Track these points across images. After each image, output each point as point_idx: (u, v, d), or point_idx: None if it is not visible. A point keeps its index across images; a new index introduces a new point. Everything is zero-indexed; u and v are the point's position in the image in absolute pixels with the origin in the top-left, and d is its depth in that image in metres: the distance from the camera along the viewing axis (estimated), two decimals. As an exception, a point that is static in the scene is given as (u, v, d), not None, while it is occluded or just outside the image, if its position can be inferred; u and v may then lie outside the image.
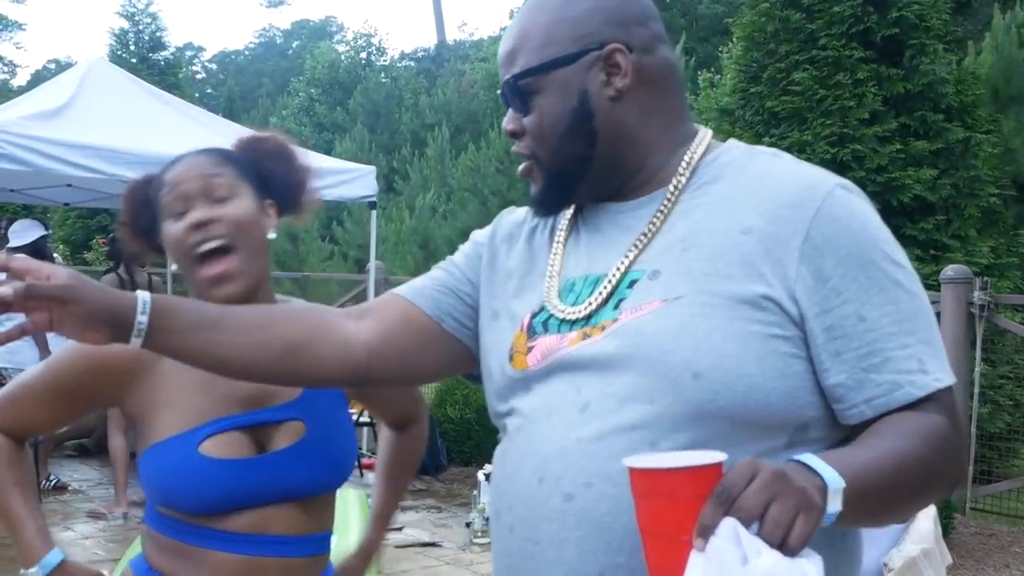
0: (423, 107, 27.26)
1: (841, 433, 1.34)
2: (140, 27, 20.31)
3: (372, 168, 8.96)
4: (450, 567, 5.87)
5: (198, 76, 47.80)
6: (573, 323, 1.41)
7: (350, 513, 3.01)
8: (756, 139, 8.72)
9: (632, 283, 1.38)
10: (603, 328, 1.37)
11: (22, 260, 1.35)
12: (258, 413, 1.76)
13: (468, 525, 6.49)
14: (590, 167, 1.45)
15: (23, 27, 75.92)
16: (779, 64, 8.29)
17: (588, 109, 1.42)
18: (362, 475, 7.82)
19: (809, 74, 8.02)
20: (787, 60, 8.25)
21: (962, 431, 1.33)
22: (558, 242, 1.52)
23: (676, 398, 1.28)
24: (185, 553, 1.73)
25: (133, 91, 8.96)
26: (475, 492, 6.56)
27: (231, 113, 23.26)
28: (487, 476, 6.51)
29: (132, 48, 20.04)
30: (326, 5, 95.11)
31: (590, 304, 1.40)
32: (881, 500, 1.23)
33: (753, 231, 1.32)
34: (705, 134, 1.48)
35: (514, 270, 1.56)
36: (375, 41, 34.42)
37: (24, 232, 7.74)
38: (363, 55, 33.18)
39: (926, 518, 3.53)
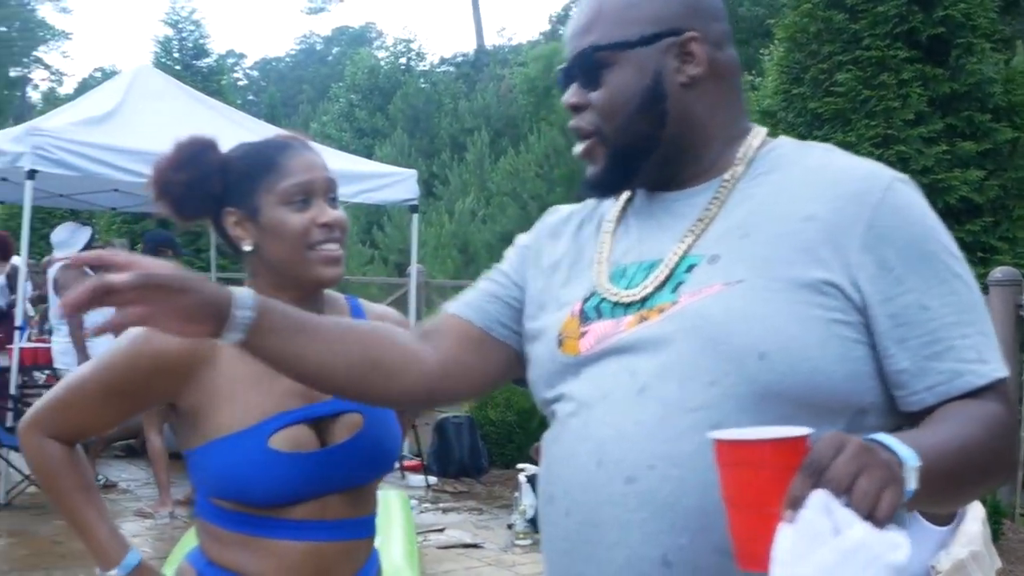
0: (462, 112, 27.32)
1: (896, 420, 1.36)
2: (184, 34, 20.54)
3: (413, 172, 8.99)
4: (492, 568, 5.87)
5: (239, 83, 48.25)
6: (628, 306, 1.42)
7: (392, 513, 3.04)
8: (800, 140, 8.64)
9: (690, 268, 1.39)
10: (661, 311, 1.37)
11: (125, 255, 1.33)
12: (319, 406, 1.79)
13: (510, 527, 6.50)
14: (655, 149, 1.46)
15: (69, 36, 77.02)
16: (822, 65, 8.22)
17: (661, 91, 1.44)
18: (403, 476, 7.85)
19: (852, 75, 7.96)
20: (830, 61, 8.19)
21: (1017, 419, 1.35)
22: (605, 232, 1.54)
23: (740, 379, 1.29)
24: (245, 544, 1.76)
25: (179, 96, 9.05)
26: (516, 494, 6.55)
27: (272, 119, 23.42)
28: (528, 478, 6.50)
29: (176, 55, 20.27)
30: (366, 11, 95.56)
31: (646, 287, 1.41)
32: (948, 482, 1.24)
33: (815, 218, 1.35)
34: (760, 130, 1.51)
35: (560, 262, 1.57)
36: (414, 47, 34.63)
37: (71, 238, 7.78)
38: (403, 60, 33.34)
39: (975, 520, 3.48)
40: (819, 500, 1.06)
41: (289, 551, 1.75)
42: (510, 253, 1.67)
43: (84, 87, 51.10)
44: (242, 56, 53.85)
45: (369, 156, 16.70)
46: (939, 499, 1.33)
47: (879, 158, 7.45)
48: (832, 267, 1.32)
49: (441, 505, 7.42)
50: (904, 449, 1.15)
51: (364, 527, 1.86)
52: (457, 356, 1.57)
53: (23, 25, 49.99)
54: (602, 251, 1.51)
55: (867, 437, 1.16)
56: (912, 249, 1.33)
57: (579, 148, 1.51)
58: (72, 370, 7.12)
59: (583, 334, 1.44)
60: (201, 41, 20.62)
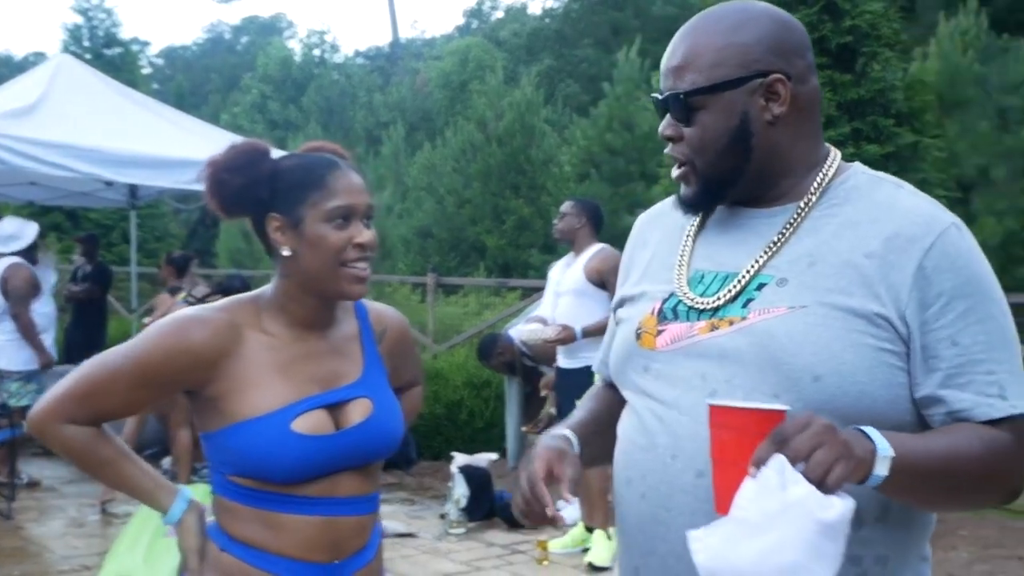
0: (377, 105, 27.27)
1: None
2: (94, 23, 20.14)
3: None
4: (428, 556, 6.02)
5: (144, 71, 47.32)
6: (701, 312, 1.59)
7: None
8: (714, 142, 8.97)
9: (760, 286, 1.56)
10: (731, 323, 1.55)
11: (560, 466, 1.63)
12: (335, 392, 1.95)
13: (442, 517, 6.65)
14: (741, 178, 1.61)
15: (-38, 20, 74.17)
16: (737, 69, 8.51)
17: (747, 130, 1.59)
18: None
19: (767, 79, 8.28)
20: (744, 65, 8.49)
21: None
22: (688, 235, 1.70)
23: (797, 396, 1.46)
24: (263, 519, 1.90)
25: (101, 88, 8.98)
26: (449, 484, 6.70)
27: (180, 109, 23.18)
28: (460, 469, 6.67)
29: (86, 44, 19.88)
30: (276, 1, 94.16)
31: (719, 298, 1.58)
32: (928, 480, 1.43)
33: (874, 256, 1.51)
34: (836, 156, 1.65)
35: (649, 259, 1.76)
36: (328, 38, 34.48)
37: (19, 232, 7.48)
38: (316, 52, 33.09)
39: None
40: (777, 462, 1.29)
41: (304, 525, 1.90)
42: (619, 274, 1.87)
43: (-23, 73, 49.39)
44: (147, 43, 52.68)
45: (282, 148, 16.64)
46: (922, 493, 1.46)
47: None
48: (885, 302, 1.48)
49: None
50: (881, 440, 1.35)
51: (371, 503, 2.02)
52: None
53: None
54: (684, 254, 1.68)
55: (854, 427, 1.37)
56: (954, 291, 1.48)
57: (675, 172, 1.67)
58: (15, 371, 7.10)
59: (660, 332, 1.62)
60: (112, 30, 20.25)
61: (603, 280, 5.80)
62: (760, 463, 1.31)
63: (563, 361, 5.98)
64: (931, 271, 1.49)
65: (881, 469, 1.35)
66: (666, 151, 1.67)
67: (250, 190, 1.93)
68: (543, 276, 8.54)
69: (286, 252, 1.93)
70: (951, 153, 10.50)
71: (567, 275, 6.04)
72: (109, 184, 9.39)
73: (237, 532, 1.93)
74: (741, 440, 1.34)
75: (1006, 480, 1.50)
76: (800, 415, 1.33)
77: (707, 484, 1.49)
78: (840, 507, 1.29)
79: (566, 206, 6.22)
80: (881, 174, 1.64)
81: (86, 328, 10.04)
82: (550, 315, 6.07)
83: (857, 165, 1.66)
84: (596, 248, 5.94)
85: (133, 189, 10.43)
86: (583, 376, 5.80)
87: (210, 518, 1.99)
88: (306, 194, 1.90)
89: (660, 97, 1.65)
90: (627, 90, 16.82)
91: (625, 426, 1.68)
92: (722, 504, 1.36)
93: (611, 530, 5.78)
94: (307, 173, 1.93)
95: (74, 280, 10.28)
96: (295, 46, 35.72)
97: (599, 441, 1.76)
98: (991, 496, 1.53)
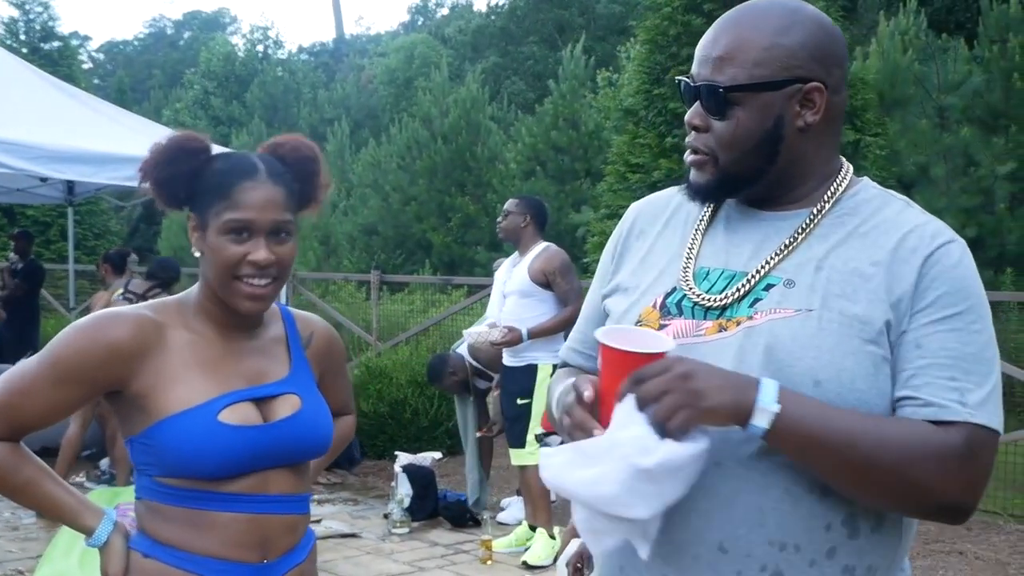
0: (322, 101, 27.10)
1: None
2: (31, 16, 19.81)
3: (281, 164, 8.92)
4: (371, 556, 5.96)
5: (84, 66, 46.63)
6: (708, 310, 1.57)
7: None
8: (659, 139, 9.00)
9: (768, 287, 1.55)
10: (738, 323, 1.54)
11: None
12: (261, 388, 1.92)
13: (386, 516, 6.58)
14: (761, 179, 1.60)
15: None
16: (681, 67, 8.54)
17: (779, 133, 1.57)
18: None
19: (710, 78, 8.30)
20: (689, 63, 8.47)
21: (977, 469, 1.45)
22: (697, 230, 1.68)
23: None
24: (190, 518, 1.86)
25: (36, 83, 8.79)
26: (392, 484, 6.65)
27: (121, 105, 22.85)
28: (403, 468, 6.62)
29: (22, 38, 19.54)
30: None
31: (727, 297, 1.56)
32: (821, 447, 1.41)
33: (880, 265, 1.51)
34: (848, 169, 1.65)
35: (650, 250, 1.72)
36: (272, 34, 34.17)
37: None
38: (260, 48, 32.81)
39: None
40: (628, 401, 1.40)
41: (232, 523, 1.86)
42: (604, 259, 1.82)
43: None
44: (87, 38, 51.87)
45: (226, 145, 16.48)
46: (814, 460, 1.43)
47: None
48: (888, 311, 1.48)
49: (315, 497, 7.42)
50: (769, 394, 1.40)
51: (302, 503, 1.99)
52: None
53: None
54: (692, 248, 1.66)
55: (755, 377, 1.42)
56: (941, 299, 1.48)
57: (690, 158, 1.63)
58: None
59: (662, 326, 1.59)
60: (50, 23, 19.93)
61: (548, 280, 5.79)
62: (619, 399, 1.40)
63: (508, 359, 5.96)
64: (927, 279, 1.50)
65: (760, 421, 1.40)
66: (688, 140, 1.64)
67: (171, 184, 1.90)
68: (489, 274, 8.50)
69: (196, 253, 1.91)
70: (892, 151, 10.64)
71: (513, 275, 6.01)
72: (44, 180, 9.21)
73: (163, 535, 1.88)
74: (618, 377, 1.43)
75: (944, 484, 1.44)
76: (667, 358, 1.40)
77: (703, 484, 1.48)
78: (661, 454, 1.36)
79: (510, 204, 6.19)
80: (891, 192, 1.65)
81: (18, 326, 9.87)
82: (497, 315, 6.04)
83: (867, 180, 1.66)
84: (540, 247, 5.92)
85: (70, 186, 10.26)
86: (526, 374, 5.83)
87: (132, 530, 1.94)
88: (213, 201, 1.87)
89: (692, 83, 1.60)
90: (572, 88, 16.85)
91: None
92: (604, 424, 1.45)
93: (556, 529, 5.77)
94: (220, 179, 1.87)
95: (7, 277, 10.11)
96: (238, 42, 35.43)
97: None
98: (911, 501, 1.46)
